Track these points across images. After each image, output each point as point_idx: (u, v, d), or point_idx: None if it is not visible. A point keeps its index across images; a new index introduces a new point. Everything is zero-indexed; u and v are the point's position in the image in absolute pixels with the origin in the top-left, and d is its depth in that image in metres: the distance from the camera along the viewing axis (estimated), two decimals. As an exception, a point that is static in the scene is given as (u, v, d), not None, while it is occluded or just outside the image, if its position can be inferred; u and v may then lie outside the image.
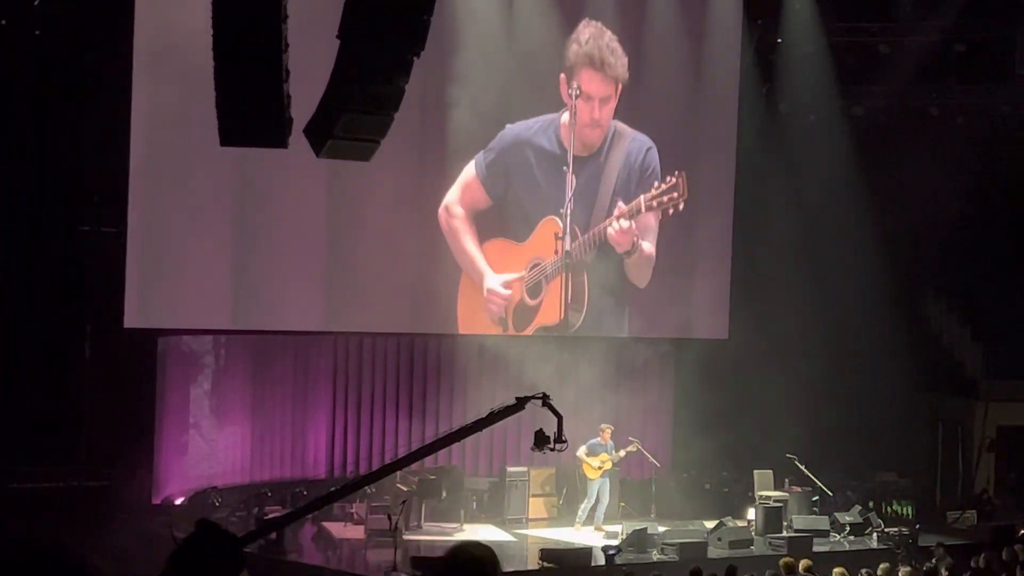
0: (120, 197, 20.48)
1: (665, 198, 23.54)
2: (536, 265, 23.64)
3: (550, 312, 23.63)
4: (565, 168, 23.38)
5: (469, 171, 23.25)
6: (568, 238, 23.43)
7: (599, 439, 22.10)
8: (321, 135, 9.84)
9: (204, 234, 21.20)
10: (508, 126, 23.41)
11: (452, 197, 23.19)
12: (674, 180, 23.48)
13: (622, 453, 22.18)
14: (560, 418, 11.03)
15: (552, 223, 23.53)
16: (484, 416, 11.26)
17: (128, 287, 20.54)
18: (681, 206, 23.62)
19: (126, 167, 20.43)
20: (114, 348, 20.76)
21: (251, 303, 21.76)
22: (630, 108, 24.20)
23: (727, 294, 25.17)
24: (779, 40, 25.61)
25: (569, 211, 23.41)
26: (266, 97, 8.86)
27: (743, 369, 24.07)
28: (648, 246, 24.12)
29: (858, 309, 25.21)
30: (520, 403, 10.56)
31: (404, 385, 24.11)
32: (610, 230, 23.67)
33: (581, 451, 21.84)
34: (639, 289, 24.14)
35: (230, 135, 9.15)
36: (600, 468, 21.93)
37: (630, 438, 22.55)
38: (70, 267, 20.78)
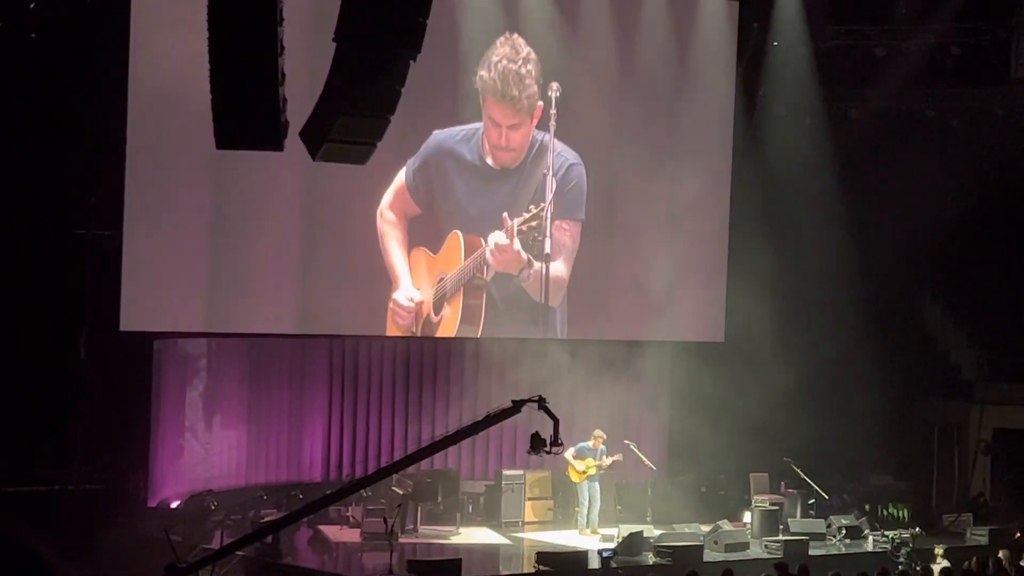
0: (116, 200, 20.46)
1: (524, 227, 23.19)
2: (440, 280, 23.32)
3: (448, 327, 23.44)
4: (545, 172, 23.22)
5: (400, 177, 22.84)
6: (548, 241, 23.34)
7: (590, 444, 22.07)
8: (317, 138, 9.85)
9: (200, 237, 21.20)
10: (435, 132, 23.05)
11: (385, 202, 22.76)
12: (534, 209, 23.15)
13: (608, 461, 22.11)
14: (556, 421, 11.07)
15: (455, 238, 23.23)
16: (480, 419, 11.30)
17: (124, 290, 20.52)
18: (540, 237, 23.28)
19: (122, 170, 20.41)
20: (110, 351, 20.73)
21: (247, 306, 21.75)
22: (623, 110, 24.13)
23: (723, 297, 25.16)
24: (775, 43, 25.61)
25: (549, 213, 23.25)
26: (262, 100, 8.87)
27: (739, 372, 24.06)
28: (563, 266, 23.91)
29: (854, 312, 25.21)
30: (516, 406, 10.60)
31: (400, 388, 24.09)
32: (487, 254, 23.32)
33: (569, 453, 21.78)
34: (627, 289, 23.97)
35: (226, 138, 9.17)
36: (584, 473, 21.91)
37: (625, 441, 22.54)
38: (66, 270, 20.74)
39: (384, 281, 22.83)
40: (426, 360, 24.29)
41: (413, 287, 23.01)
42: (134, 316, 20.63)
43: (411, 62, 9.37)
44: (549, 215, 23.37)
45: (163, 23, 19.98)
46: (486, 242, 23.24)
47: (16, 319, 20.52)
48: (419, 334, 23.34)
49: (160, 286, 20.90)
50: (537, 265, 23.58)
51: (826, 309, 24.98)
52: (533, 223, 23.19)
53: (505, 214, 23.20)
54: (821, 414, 24.69)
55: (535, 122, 23.49)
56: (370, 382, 23.94)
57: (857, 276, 25.34)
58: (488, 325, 23.53)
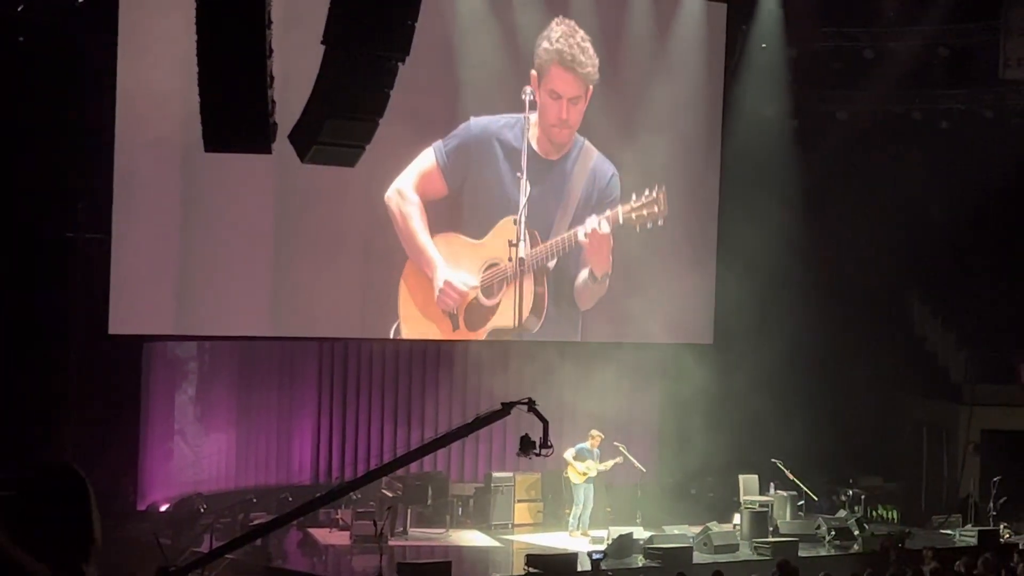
0: (104, 203, 20.42)
1: (645, 211, 23.40)
2: (493, 266, 23.32)
3: (506, 315, 23.46)
4: (519, 174, 23.22)
5: (427, 158, 22.74)
6: (527, 243, 23.30)
7: (588, 444, 22.06)
8: (306, 141, 9.84)
9: (189, 241, 21.16)
10: (473, 118, 23.06)
11: (406, 183, 22.61)
12: (654, 195, 23.33)
13: (609, 464, 22.11)
14: (546, 423, 11.04)
15: (509, 225, 23.32)
16: (470, 421, 11.27)
17: (113, 293, 20.48)
18: (661, 222, 23.49)
19: (110, 173, 20.37)
20: (99, 355, 20.70)
21: (236, 309, 21.72)
22: (611, 115, 24.13)
23: (712, 299, 25.16)
24: (763, 45, 25.61)
25: (525, 215, 23.25)
26: (250, 103, 8.86)
27: (728, 374, 24.07)
28: (607, 263, 24.13)
29: (843, 314, 25.24)
30: (505, 408, 10.58)
31: (389, 391, 24.08)
32: (581, 236, 23.49)
33: (569, 454, 21.80)
34: (620, 293, 24.01)
35: (214, 140, 9.15)
36: (585, 474, 21.92)
37: (615, 443, 22.52)
38: (55, 274, 20.71)
39: (379, 282, 22.73)
40: (415, 363, 24.27)
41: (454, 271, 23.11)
42: (123, 319, 20.58)
43: (400, 64, 9.36)
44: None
45: (151, 27, 19.94)
46: (538, 234, 23.37)
47: (5, 322, 20.47)
48: (462, 319, 23.32)
49: (149, 289, 20.86)
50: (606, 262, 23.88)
51: (815, 311, 24.97)
52: (644, 211, 23.26)
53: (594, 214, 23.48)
54: (810, 416, 24.70)
55: (587, 102, 23.67)
56: (359, 385, 23.91)
57: (846, 277, 25.36)
58: (548, 317, 23.71)
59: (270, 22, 8.98)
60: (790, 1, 25.50)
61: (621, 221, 23.56)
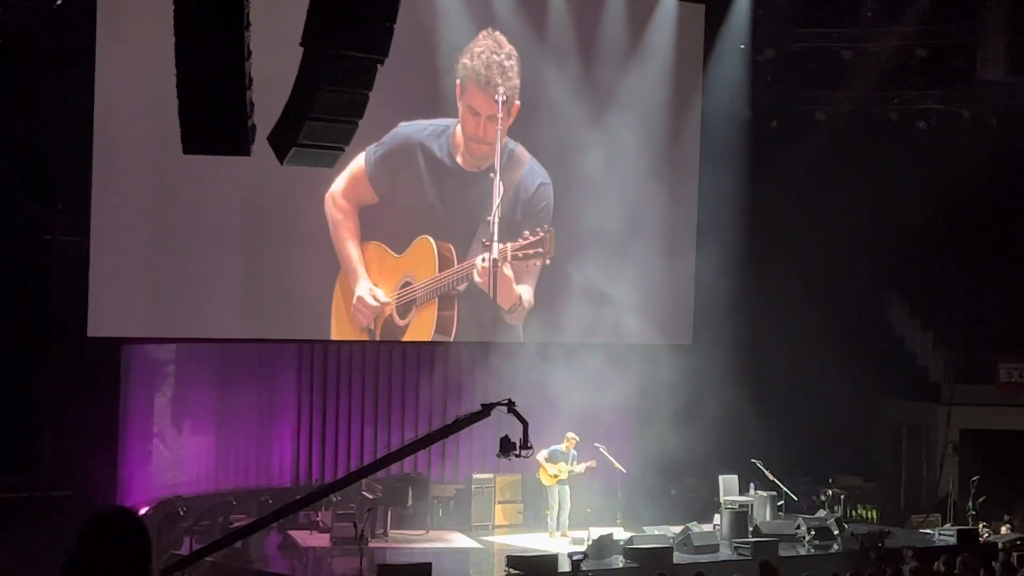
0: (83, 205, 20.37)
1: (531, 251, 23.09)
2: (407, 284, 23.13)
3: (419, 335, 23.38)
4: (492, 175, 23.08)
5: (358, 163, 22.48)
6: (495, 247, 23.18)
7: (562, 447, 22.04)
8: (285, 143, 9.83)
9: (167, 242, 21.11)
10: (402, 124, 22.82)
11: (338, 187, 22.42)
12: (541, 233, 23.03)
13: (582, 468, 22.07)
14: (525, 424, 11.07)
15: (426, 244, 23.11)
16: (450, 423, 11.30)
17: (91, 296, 20.44)
18: (547, 261, 23.19)
19: (88, 175, 20.32)
20: (78, 357, 20.63)
21: (216, 311, 21.68)
22: (585, 117, 24.08)
23: (691, 299, 25.19)
24: (741, 46, 25.66)
25: (497, 218, 23.15)
26: (229, 105, 8.84)
27: (707, 375, 24.09)
28: (528, 295, 23.88)
29: (821, 314, 25.27)
30: (486, 410, 10.60)
31: (369, 393, 24.06)
32: (477, 267, 23.29)
33: (541, 455, 21.78)
34: (595, 293, 23.93)
35: (193, 143, 9.14)
36: (556, 476, 21.89)
37: (595, 444, 22.52)
38: (33, 276, 20.66)
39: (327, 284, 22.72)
40: (395, 364, 24.26)
41: (373, 284, 22.92)
42: (102, 322, 20.53)
43: (379, 66, 9.36)
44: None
45: (129, 29, 19.90)
46: (455, 251, 23.18)
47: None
48: (379, 333, 23.17)
49: (128, 292, 20.82)
50: (525, 298, 23.61)
51: (794, 311, 25.00)
52: (531, 251, 23.04)
53: (488, 241, 23.17)
54: (790, 416, 24.75)
55: (511, 119, 23.46)
56: (339, 386, 23.89)
57: (824, 278, 25.40)
58: (459, 336, 23.56)
59: (249, 24, 8.97)
60: (767, 1, 25.56)
61: (508, 259, 23.30)
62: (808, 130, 25.99)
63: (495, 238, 23.14)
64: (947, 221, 26.26)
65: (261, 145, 9.63)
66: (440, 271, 23.21)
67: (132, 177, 20.66)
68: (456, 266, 23.25)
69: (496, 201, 23.18)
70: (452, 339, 23.53)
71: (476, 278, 23.32)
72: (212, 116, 8.95)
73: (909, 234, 25.87)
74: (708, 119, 25.48)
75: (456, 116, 23.22)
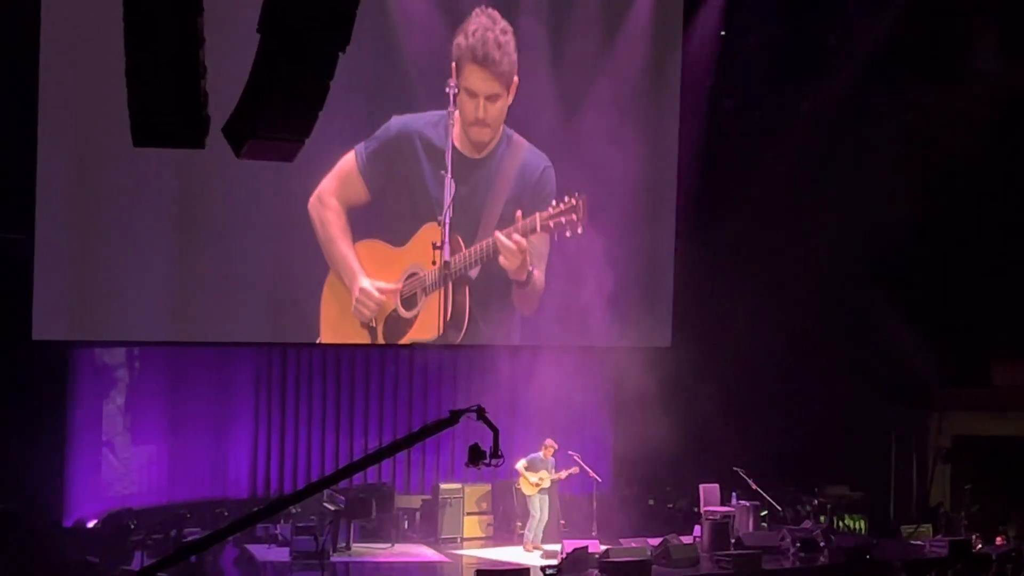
0: (27, 202, 20.29)
1: (563, 219, 22.89)
2: (413, 275, 23.18)
3: (426, 327, 23.32)
4: (443, 172, 23.09)
5: (348, 161, 22.69)
6: (448, 248, 23.08)
7: (540, 454, 22.04)
8: (241, 135, 9.77)
9: (117, 240, 21.05)
10: (395, 117, 22.99)
11: (327, 187, 22.57)
12: (573, 201, 22.89)
13: (563, 474, 22.10)
14: (496, 432, 11.00)
15: (434, 229, 23.16)
16: (416, 431, 11.26)
17: (36, 297, 20.37)
18: (580, 230, 22.96)
19: (33, 170, 20.24)
20: (22, 361, 20.56)
21: (167, 313, 21.62)
22: (557, 109, 24.04)
23: (670, 300, 25.19)
24: (722, 32, 25.65)
25: (449, 218, 23.06)
26: (181, 95, 8.79)
27: (687, 378, 24.10)
28: (539, 275, 23.91)
29: (807, 315, 25.29)
30: (454, 417, 10.53)
31: (331, 398, 24.03)
32: (500, 243, 23.29)
33: (520, 464, 21.82)
34: (570, 294, 23.91)
35: (143, 135, 9.07)
36: (538, 485, 21.90)
37: (569, 452, 22.52)
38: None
39: (305, 285, 22.66)
40: (358, 368, 24.22)
41: (374, 280, 22.97)
42: (47, 324, 20.47)
43: (340, 54, 9.30)
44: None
45: (75, 14, 19.82)
46: (462, 240, 23.16)
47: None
48: (381, 330, 23.18)
49: (75, 292, 20.76)
50: (536, 275, 23.61)
51: (777, 312, 25.01)
52: (562, 219, 23.01)
53: (519, 212, 23.23)
54: (773, 422, 24.79)
55: (511, 97, 23.52)
56: (299, 392, 23.86)
57: (809, 277, 25.42)
58: (470, 327, 23.53)
59: (202, 8, 8.92)
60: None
61: (539, 228, 23.31)
62: (793, 121, 25.97)
63: (446, 239, 23.05)
64: (939, 217, 26.29)
65: (215, 139, 9.58)
66: (450, 257, 23.24)
67: (79, 171, 20.60)
68: (476, 245, 23.30)
69: (447, 200, 23.11)
70: (462, 332, 23.51)
71: (502, 261, 23.37)
72: (163, 107, 8.90)
73: (898, 229, 25.90)
74: (687, 110, 25.44)
75: (447, 107, 23.20)
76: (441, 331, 23.32)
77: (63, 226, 20.63)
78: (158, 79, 8.73)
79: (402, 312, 23.24)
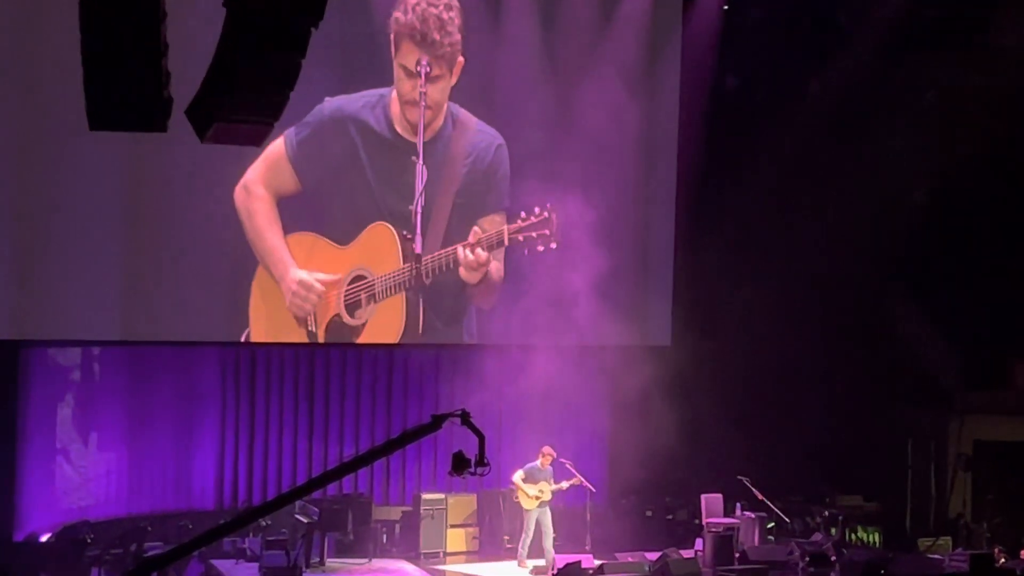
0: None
1: (534, 233, 22.82)
2: (360, 278, 23.05)
3: (375, 336, 23.30)
4: (414, 158, 22.96)
5: (276, 147, 22.33)
6: (420, 241, 23.00)
7: (538, 464, 21.95)
8: (206, 117, 9.74)
9: (70, 233, 21.01)
10: (327, 99, 22.75)
11: (254, 175, 22.35)
12: (545, 215, 22.77)
13: (564, 485, 22.02)
14: (482, 438, 11.01)
15: (384, 231, 23.02)
16: (395, 437, 11.25)
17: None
18: (553, 245, 22.88)
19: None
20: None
21: (126, 311, 21.59)
22: (548, 94, 24.00)
23: (669, 295, 25.18)
24: (725, 7, 25.63)
25: (420, 207, 22.98)
26: (142, 74, 8.76)
27: (688, 380, 24.10)
28: (496, 268, 23.78)
29: (817, 311, 25.31)
30: (436, 422, 10.54)
31: (304, 402, 24.01)
32: (463, 258, 23.15)
33: (518, 476, 21.75)
34: (562, 288, 23.83)
35: (100, 118, 9.04)
36: (538, 497, 21.80)
37: (561, 460, 22.50)
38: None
39: (229, 283, 22.66)
40: (333, 370, 24.19)
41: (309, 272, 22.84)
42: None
43: (313, 29, 9.29)
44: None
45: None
46: (417, 238, 23.04)
47: None
48: (322, 335, 23.09)
49: (25, 288, 20.73)
50: (492, 271, 23.52)
51: (784, 308, 25.02)
52: (533, 232, 22.83)
53: (476, 227, 23.13)
54: (781, 427, 24.79)
55: (455, 79, 23.33)
56: (269, 395, 23.85)
57: (819, 271, 25.43)
58: (425, 334, 23.48)
59: (164, -19, 8.90)
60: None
61: (507, 242, 23.16)
62: (801, 102, 25.97)
63: (418, 229, 23.00)
64: (959, 203, 26.24)
65: (175, 123, 9.56)
66: (404, 262, 23.09)
67: (28, 160, 20.58)
68: (431, 255, 23.13)
69: (419, 188, 23.04)
70: (420, 335, 23.43)
71: (462, 273, 23.24)
72: (122, 87, 8.87)
73: (915, 219, 25.91)
74: (686, 90, 25.41)
75: (391, 84, 23.07)
76: (397, 340, 23.27)
77: (5, 218, 20.59)
78: (116, 57, 8.70)
79: (346, 319, 23.09)
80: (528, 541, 21.95)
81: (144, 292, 21.66)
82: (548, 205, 22.83)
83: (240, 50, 9.29)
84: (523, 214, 22.98)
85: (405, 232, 22.92)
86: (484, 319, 23.84)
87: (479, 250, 23.12)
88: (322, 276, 22.85)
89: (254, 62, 9.34)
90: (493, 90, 23.76)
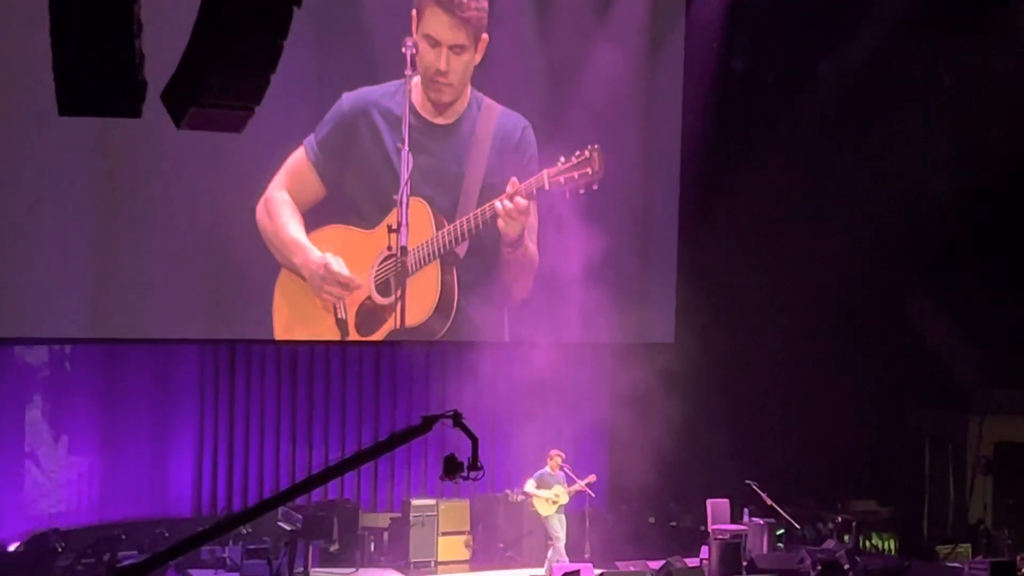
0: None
1: (575, 174, 23.14)
2: (390, 257, 23.31)
3: (411, 313, 23.43)
4: (399, 145, 23.14)
5: (297, 156, 22.80)
6: (405, 232, 23.17)
7: (548, 468, 21.89)
8: (182, 101, 9.73)
9: (37, 225, 21.00)
10: (344, 95, 23.04)
11: (275, 186, 22.70)
12: (586, 153, 23.12)
13: (581, 484, 21.97)
14: (475, 440, 11.01)
15: (415, 204, 23.33)
16: (384, 440, 11.24)
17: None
18: (595, 186, 23.21)
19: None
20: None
21: (98, 307, 21.58)
22: (546, 72, 24.02)
23: (673, 290, 25.20)
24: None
25: (406, 196, 23.15)
26: (114, 56, 8.75)
27: (692, 379, 24.11)
28: (532, 247, 24.03)
29: (828, 306, 25.32)
30: (427, 423, 10.53)
31: (286, 402, 24.00)
32: (501, 207, 23.44)
33: (530, 486, 21.67)
34: (562, 282, 23.89)
35: (71, 103, 9.03)
36: (555, 502, 21.74)
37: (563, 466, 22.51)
38: None
39: (254, 272, 22.66)
40: (317, 368, 24.18)
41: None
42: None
43: (296, 8, 9.28)
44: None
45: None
46: (402, 229, 23.14)
47: None
48: (353, 322, 23.20)
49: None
50: (530, 246, 23.73)
51: (794, 304, 25.06)
52: (575, 173, 23.10)
53: (514, 178, 23.38)
54: (790, 428, 24.81)
55: (479, 55, 23.53)
56: (249, 395, 23.83)
57: (830, 263, 25.44)
58: (460, 309, 23.65)
59: (138, -42, 8.90)
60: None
61: (547, 186, 23.40)
62: (812, 85, 25.97)
63: (404, 220, 23.07)
64: (977, 194, 26.24)
65: (149, 108, 9.55)
66: (437, 231, 23.45)
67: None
68: (457, 220, 23.46)
69: (404, 176, 23.13)
70: (450, 319, 23.67)
71: (500, 225, 23.52)
72: (93, 70, 8.86)
73: (932, 210, 25.92)
74: (691, 74, 25.42)
75: (407, 71, 23.20)
76: (423, 320, 23.35)
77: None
78: (87, 37, 8.68)
79: (377, 298, 23.28)
80: (561, 547, 21.82)
81: (117, 287, 21.65)
82: (592, 145, 23.16)
83: (219, 30, 9.28)
84: (562, 158, 23.29)
85: (390, 225, 23.01)
86: (483, 317, 23.86)
87: (518, 198, 23.37)
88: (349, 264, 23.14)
89: (234, 43, 9.32)
90: (492, 84, 23.83)
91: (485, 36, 23.51)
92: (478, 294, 23.75)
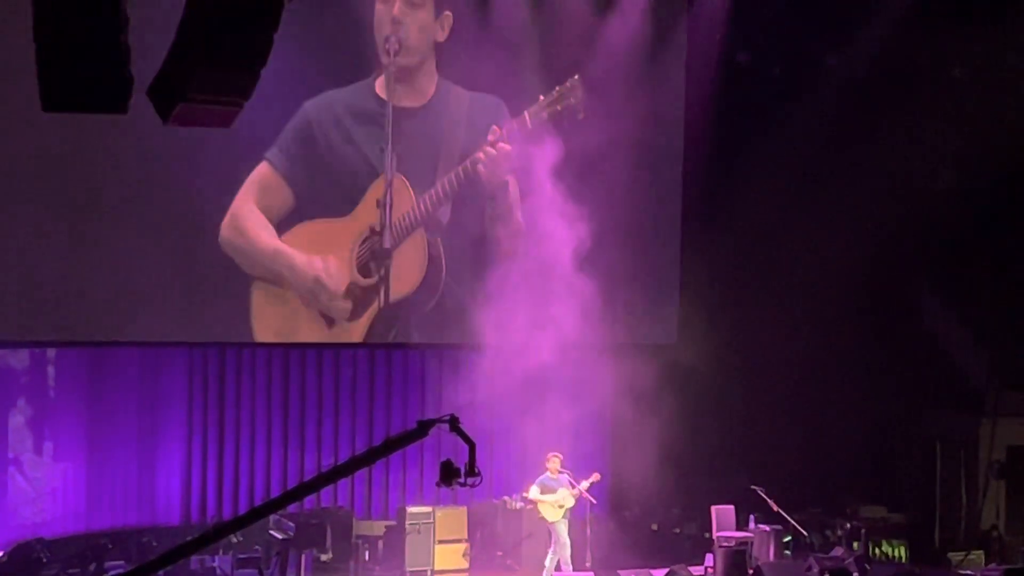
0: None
1: (559, 106, 23.33)
2: (368, 238, 23.50)
3: (395, 287, 23.58)
4: (382, 147, 23.32)
5: (262, 170, 22.93)
6: (389, 212, 23.39)
7: (548, 473, 21.86)
8: (169, 97, 9.74)
9: (17, 223, 21.01)
10: (306, 103, 23.17)
11: (241, 201, 22.81)
12: (567, 84, 23.30)
13: (586, 484, 21.96)
14: (472, 446, 11.01)
15: (396, 181, 23.47)
16: (379, 445, 11.24)
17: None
18: (580, 115, 23.33)
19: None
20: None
21: (84, 309, 21.59)
22: (547, 71, 24.05)
23: (676, 289, 25.20)
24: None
25: (394, 164, 23.36)
26: (100, 50, 8.76)
27: (696, 382, 24.13)
28: (517, 212, 24.16)
29: (836, 306, 25.32)
30: (422, 428, 10.53)
31: (277, 407, 24.01)
32: (483, 154, 23.60)
33: (534, 492, 21.64)
34: (561, 287, 23.89)
35: (55, 99, 9.04)
36: (562, 506, 21.72)
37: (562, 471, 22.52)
38: None
39: (240, 271, 22.70)
40: (309, 371, 24.18)
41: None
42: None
43: (287, 1, 9.29)
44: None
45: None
46: (385, 232, 23.25)
47: None
48: (338, 310, 23.33)
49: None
50: (512, 188, 23.84)
51: (802, 304, 25.07)
52: (558, 106, 23.25)
53: (494, 127, 23.56)
54: (798, 432, 24.81)
55: (445, 33, 23.66)
56: (240, 400, 23.85)
57: (838, 262, 25.43)
58: (445, 288, 23.82)
59: (124, -50, 8.91)
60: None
61: (530, 125, 23.46)
62: (818, 78, 25.98)
63: (388, 221, 23.13)
64: (991, 190, 26.24)
65: (134, 103, 9.57)
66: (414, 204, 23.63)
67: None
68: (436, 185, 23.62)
69: (389, 176, 23.19)
70: (439, 289, 23.81)
71: (481, 172, 23.71)
72: (78, 65, 8.87)
73: (944, 207, 25.90)
74: (694, 67, 25.42)
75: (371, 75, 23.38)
76: (409, 292, 23.43)
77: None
78: (72, 31, 8.69)
79: (360, 280, 23.35)
80: (568, 554, 21.80)
81: (103, 289, 21.66)
82: (575, 76, 23.36)
83: (208, 24, 9.29)
84: (541, 96, 23.44)
85: (377, 199, 23.22)
86: (481, 316, 23.86)
87: (501, 143, 23.56)
88: (335, 265, 23.23)
89: (223, 37, 9.33)
90: (490, 78, 23.87)
91: (448, 14, 23.59)
92: (463, 265, 23.84)
